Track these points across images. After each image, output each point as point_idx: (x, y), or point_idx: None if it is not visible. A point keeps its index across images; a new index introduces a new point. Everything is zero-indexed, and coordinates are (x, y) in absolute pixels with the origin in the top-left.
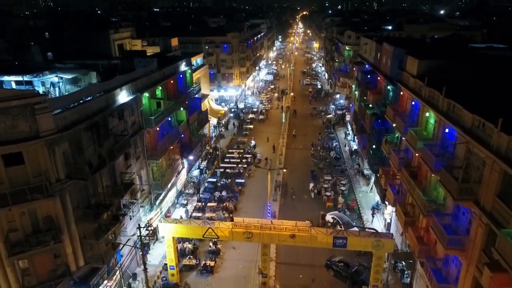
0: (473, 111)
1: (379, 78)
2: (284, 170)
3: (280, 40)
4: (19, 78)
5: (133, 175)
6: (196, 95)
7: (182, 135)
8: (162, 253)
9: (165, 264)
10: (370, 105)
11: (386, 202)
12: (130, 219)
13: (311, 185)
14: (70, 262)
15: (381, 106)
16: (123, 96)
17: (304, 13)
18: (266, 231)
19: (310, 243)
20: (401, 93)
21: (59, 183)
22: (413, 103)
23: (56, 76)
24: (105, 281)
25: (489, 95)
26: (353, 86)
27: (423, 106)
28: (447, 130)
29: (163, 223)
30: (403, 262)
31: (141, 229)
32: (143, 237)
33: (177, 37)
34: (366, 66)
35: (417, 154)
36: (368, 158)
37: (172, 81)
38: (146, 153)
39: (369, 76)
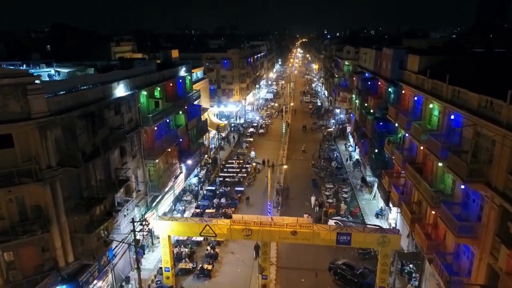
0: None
1: (379, 83)
2: (285, 167)
3: (280, 63)
4: None
5: (128, 171)
6: (196, 102)
7: (181, 140)
8: (157, 258)
9: (160, 268)
10: (371, 111)
11: (391, 205)
12: (124, 216)
13: (313, 198)
14: (58, 256)
15: (382, 109)
16: (120, 90)
17: (304, 40)
18: (266, 228)
19: (313, 240)
20: (403, 91)
21: (50, 169)
22: (415, 98)
23: (53, 69)
24: (95, 281)
25: (490, 91)
26: (353, 95)
27: (426, 99)
28: (452, 117)
29: (158, 220)
30: (410, 265)
31: (136, 223)
32: (137, 233)
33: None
34: (366, 74)
35: (421, 148)
36: (371, 164)
37: (171, 84)
38: (143, 152)
39: (369, 82)
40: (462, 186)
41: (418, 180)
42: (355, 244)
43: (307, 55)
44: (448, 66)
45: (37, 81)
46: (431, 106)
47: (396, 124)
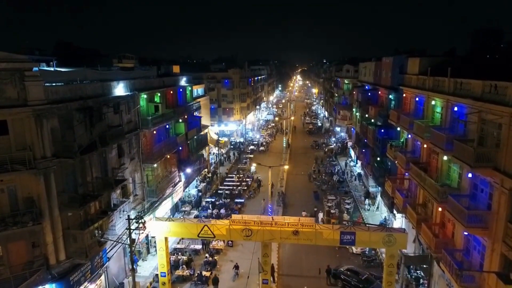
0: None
1: (379, 92)
2: (286, 167)
3: (280, 89)
4: None
5: (126, 173)
6: (196, 113)
7: (180, 148)
8: (153, 265)
9: (156, 274)
10: (372, 120)
11: (395, 212)
12: (120, 218)
13: (320, 215)
14: (49, 253)
15: (383, 117)
16: (119, 90)
17: (303, 68)
18: (267, 228)
19: (315, 241)
20: (404, 95)
21: (45, 160)
22: (416, 99)
23: (53, 69)
24: (87, 283)
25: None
26: (354, 109)
27: (428, 98)
28: (456, 109)
29: (155, 221)
30: (417, 271)
31: (132, 221)
32: (133, 232)
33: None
34: (367, 86)
35: (425, 146)
36: (373, 172)
37: (171, 92)
38: (141, 156)
39: (369, 94)
40: (470, 175)
41: (423, 178)
42: (359, 244)
43: (307, 82)
44: (447, 67)
45: (35, 68)
46: (433, 103)
47: (398, 128)
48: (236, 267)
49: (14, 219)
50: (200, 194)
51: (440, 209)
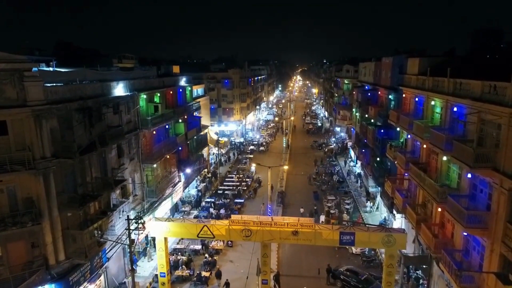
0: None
1: (379, 92)
2: (286, 167)
3: (280, 89)
4: None
5: (125, 173)
6: (196, 113)
7: (180, 148)
8: (153, 266)
9: (156, 275)
10: (372, 120)
11: (394, 212)
12: (120, 218)
13: (322, 217)
14: (49, 253)
15: (383, 117)
16: (119, 90)
17: (303, 68)
18: (266, 228)
19: (315, 241)
20: (403, 95)
21: (44, 160)
22: (416, 99)
23: (53, 69)
24: (87, 283)
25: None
26: (354, 109)
27: (428, 98)
28: (455, 109)
29: (155, 221)
30: (417, 272)
31: (131, 221)
32: (132, 232)
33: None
34: (367, 86)
35: (424, 146)
36: (373, 173)
37: (171, 92)
38: (141, 156)
39: (369, 94)
40: (469, 176)
41: (423, 178)
42: (359, 244)
43: (307, 82)
44: (447, 67)
45: (35, 69)
46: (433, 103)
47: (398, 128)
48: (227, 284)
49: (13, 219)
50: (200, 194)
51: (439, 209)
